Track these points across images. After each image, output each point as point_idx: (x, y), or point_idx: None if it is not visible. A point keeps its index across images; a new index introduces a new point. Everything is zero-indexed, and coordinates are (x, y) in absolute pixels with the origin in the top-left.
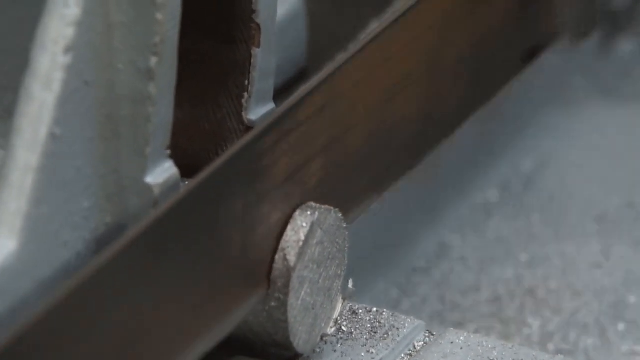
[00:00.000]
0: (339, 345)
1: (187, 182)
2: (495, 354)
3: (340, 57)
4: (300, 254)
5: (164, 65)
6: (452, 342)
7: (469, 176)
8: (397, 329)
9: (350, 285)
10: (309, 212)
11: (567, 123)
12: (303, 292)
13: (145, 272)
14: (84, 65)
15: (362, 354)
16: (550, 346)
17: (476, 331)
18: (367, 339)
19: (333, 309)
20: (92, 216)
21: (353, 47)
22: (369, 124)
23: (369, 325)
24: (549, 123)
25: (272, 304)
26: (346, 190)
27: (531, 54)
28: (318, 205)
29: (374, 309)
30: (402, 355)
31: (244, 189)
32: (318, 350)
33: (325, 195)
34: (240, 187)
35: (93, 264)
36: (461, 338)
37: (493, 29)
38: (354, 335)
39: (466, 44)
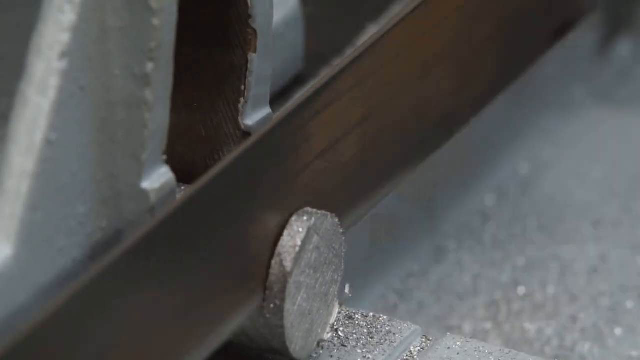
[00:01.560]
0: (336, 351)
1: (183, 187)
2: (492, 359)
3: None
4: (297, 259)
5: (160, 71)
6: (448, 347)
7: (465, 180)
8: (394, 334)
9: (346, 290)
10: (305, 218)
11: (565, 127)
12: (299, 298)
13: (142, 280)
14: (80, 70)
15: None
16: (548, 351)
17: (473, 336)
18: (363, 345)
19: (329, 314)
20: (87, 221)
21: (374, 34)
22: (368, 128)
23: (365, 331)
24: (546, 127)
25: (269, 309)
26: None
27: (560, 32)
28: (315, 210)
29: (371, 314)
30: None
31: (241, 196)
32: (314, 355)
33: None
34: (237, 194)
35: (90, 272)
36: (458, 343)
37: (522, 8)
38: (350, 341)
39: (494, 24)
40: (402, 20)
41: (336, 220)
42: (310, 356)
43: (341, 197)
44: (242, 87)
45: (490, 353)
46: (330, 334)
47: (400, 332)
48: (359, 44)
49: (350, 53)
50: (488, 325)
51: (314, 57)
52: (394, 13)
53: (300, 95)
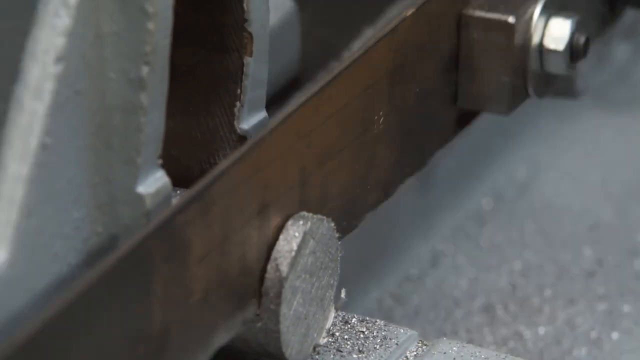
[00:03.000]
0: (332, 356)
1: (179, 192)
2: None
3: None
4: (293, 263)
5: (156, 75)
6: (445, 353)
7: (462, 184)
8: (390, 339)
9: (342, 294)
10: (301, 222)
11: (562, 130)
12: (295, 302)
13: (137, 286)
14: (75, 75)
15: None
16: (545, 355)
17: (469, 341)
18: (359, 349)
19: (325, 319)
20: (83, 226)
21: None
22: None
23: (361, 335)
24: (543, 130)
25: (264, 314)
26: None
27: (465, 120)
28: (310, 214)
29: (367, 319)
30: None
31: (239, 201)
32: None
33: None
34: (235, 199)
35: (85, 278)
36: (454, 348)
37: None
38: (346, 346)
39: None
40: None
41: (332, 224)
42: None
43: (339, 201)
44: (238, 91)
45: (487, 358)
46: (326, 339)
47: (397, 337)
48: (355, 47)
49: (347, 57)
50: (485, 330)
51: (310, 61)
52: (390, 16)
53: (296, 100)
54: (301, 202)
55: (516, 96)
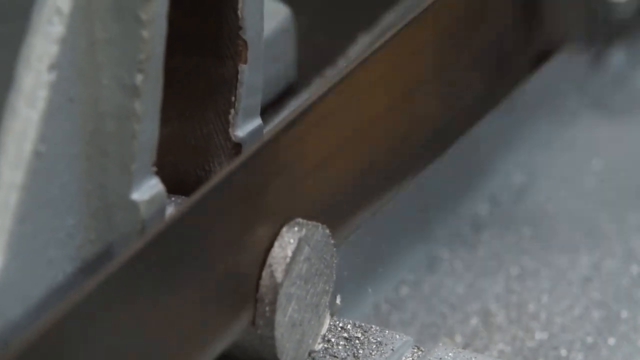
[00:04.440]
0: None
1: (173, 199)
2: None
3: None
4: (288, 270)
5: (150, 82)
6: (440, 358)
7: (459, 189)
8: (385, 344)
9: (338, 301)
10: (296, 229)
11: (558, 136)
12: (290, 309)
13: (132, 295)
14: (69, 82)
15: None
16: None
17: (466, 346)
18: (355, 355)
19: (321, 325)
20: (77, 233)
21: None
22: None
23: (357, 341)
24: (539, 136)
25: (260, 320)
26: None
27: (539, 59)
28: (305, 221)
29: (362, 325)
30: None
31: (233, 210)
32: None
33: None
34: (229, 208)
35: (81, 289)
36: (450, 354)
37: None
38: (341, 352)
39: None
40: (391, 37)
41: (327, 231)
42: None
43: (332, 211)
44: (233, 99)
45: None
46: (321, 345)
47: (392, 343)
48: (350, 54)
49: (342, 65)
50: (481, 335)
51: (306, 67)
52: (385, 24)
53: (292, 110)
54: None
55: None
